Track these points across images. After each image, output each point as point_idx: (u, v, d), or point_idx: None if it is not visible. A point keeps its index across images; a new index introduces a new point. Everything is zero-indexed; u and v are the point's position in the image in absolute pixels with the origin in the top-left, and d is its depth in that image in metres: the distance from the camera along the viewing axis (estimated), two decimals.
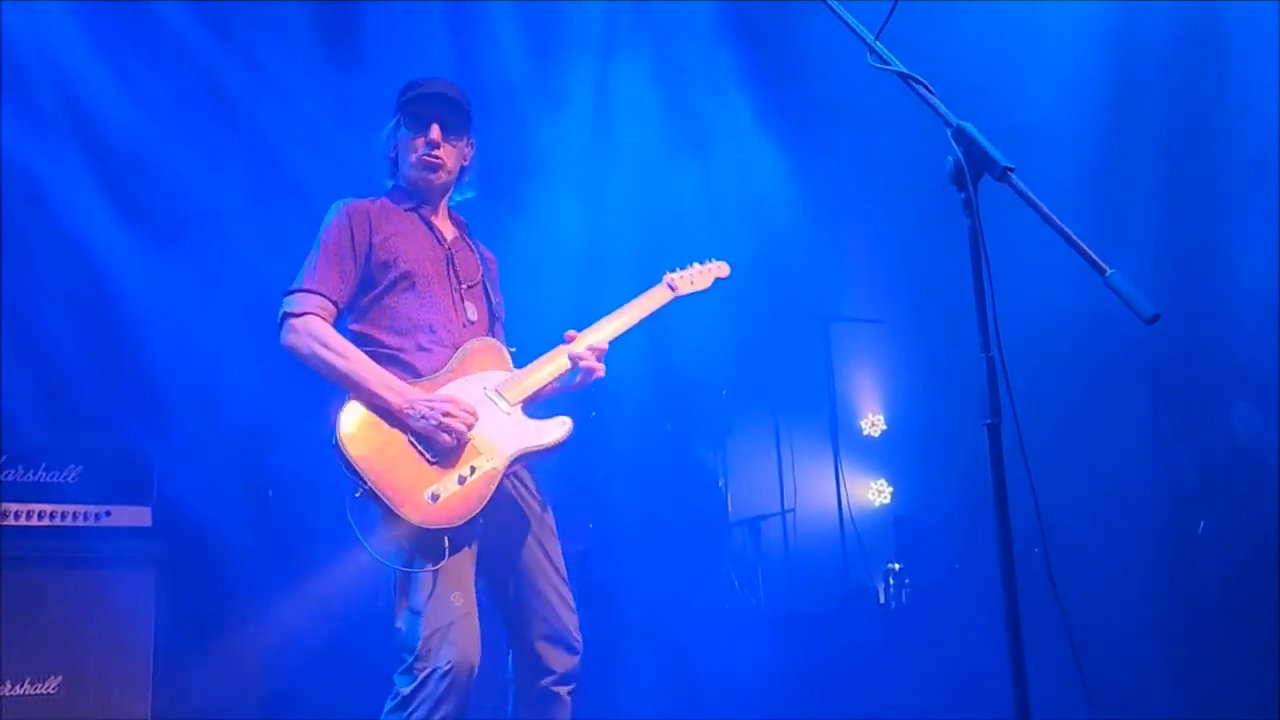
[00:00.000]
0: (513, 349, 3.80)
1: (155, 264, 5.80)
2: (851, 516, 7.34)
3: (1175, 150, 5.51)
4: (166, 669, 4.99)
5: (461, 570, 3.41)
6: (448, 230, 3.88)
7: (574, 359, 3.72)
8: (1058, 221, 2.31)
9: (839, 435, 7.47)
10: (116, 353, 5.61)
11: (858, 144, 6.15)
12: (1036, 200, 2.35)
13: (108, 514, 4.97)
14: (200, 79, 6.14)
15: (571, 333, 3.79)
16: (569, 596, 3.65)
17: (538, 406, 3.67)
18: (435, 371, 3.56)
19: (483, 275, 3.88)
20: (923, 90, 2.51)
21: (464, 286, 3.78)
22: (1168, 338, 5.41)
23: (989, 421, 2.35)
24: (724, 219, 7.00)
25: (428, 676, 3.25)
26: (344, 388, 3.43)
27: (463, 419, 3.40)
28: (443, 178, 3.81)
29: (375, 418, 3.40)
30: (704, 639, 6.01)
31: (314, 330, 3.47)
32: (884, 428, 8.82)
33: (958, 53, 5.91)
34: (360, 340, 3.61)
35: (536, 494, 3.74)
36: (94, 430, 5.15)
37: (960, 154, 2.41)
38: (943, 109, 2.48)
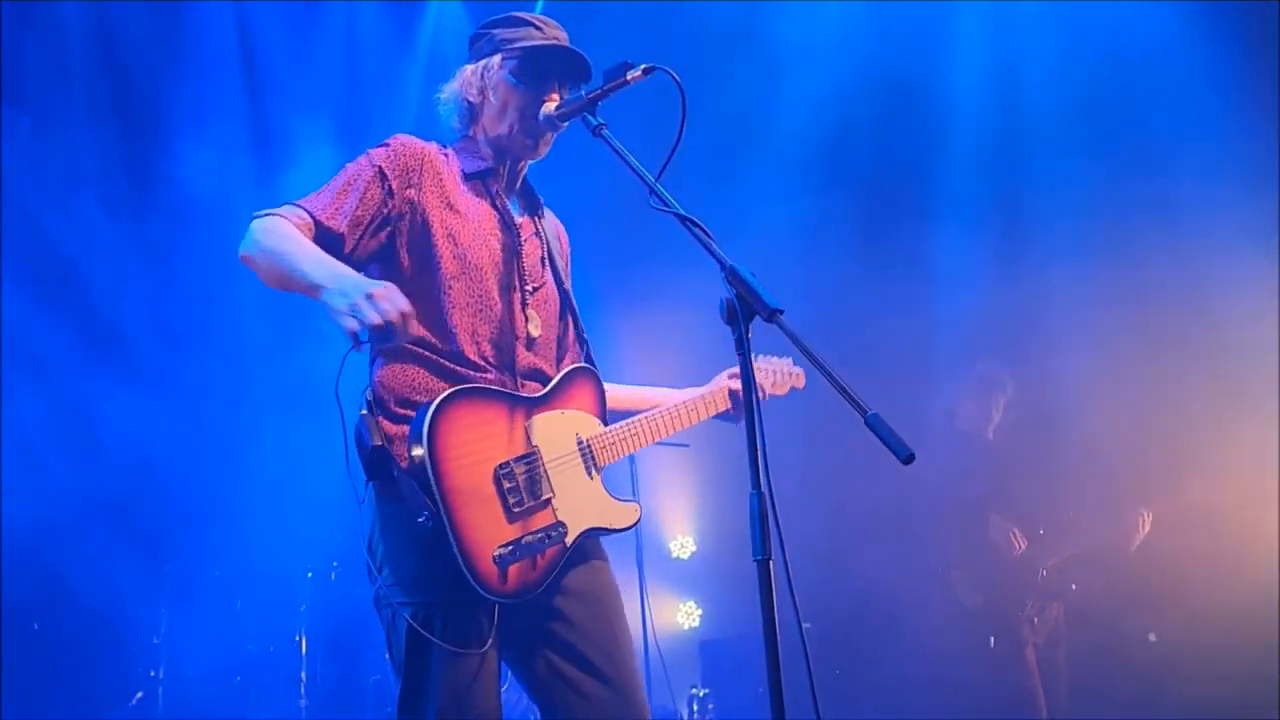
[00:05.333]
0: None
1: None
2: (657, 640, 7.29)
3: None
4: None
5: (493, 661, 2.87)
6: (520, 214, 3.18)
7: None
8: (822, 361, 2.38)
9: (645, 556, 7.45)
10: None
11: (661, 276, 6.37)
12: (804, 341, 2.41)
13: None
14: None
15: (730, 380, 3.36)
16: (637, 685, 3.01)
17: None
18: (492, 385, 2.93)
19: (551, 275, 3.19)
20: (699, 232, 2.59)
21: (528, 289, 3.10)
22: None
23: (758, 558, 2.38)
24: None
25: None
26: (281, 285, 2.79)
27: (388, 312, 2.59)
28: (542, 152, 3.13)
29: (474, 432, 2.82)
30: None
31: (261, 226, 2.82)
32: (693, 549, 8.86)
33: None
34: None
35: (599, 557, 3.12)
36: None
37: (733, 295, 2.48)
38: (718, 251, 2.54)
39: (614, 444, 3.10)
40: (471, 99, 3.12)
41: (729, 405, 3.38)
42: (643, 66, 2.81)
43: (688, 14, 6.81)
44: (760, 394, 3.38)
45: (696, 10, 6.76)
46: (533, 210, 3.25)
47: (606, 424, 3.13)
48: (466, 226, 3.01)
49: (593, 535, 3.04)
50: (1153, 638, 5.84)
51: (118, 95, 6.75)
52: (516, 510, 2.84)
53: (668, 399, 3.35)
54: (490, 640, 2.82)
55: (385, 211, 2.94)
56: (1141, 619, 5.87)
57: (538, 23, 3.14)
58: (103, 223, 6.60)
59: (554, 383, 3.05)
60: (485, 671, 2.84)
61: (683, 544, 8.84)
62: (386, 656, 2.96)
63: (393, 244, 2.97)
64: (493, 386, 2.94)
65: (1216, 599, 5.72)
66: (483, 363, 2.97)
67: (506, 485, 2.84)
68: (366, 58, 7.42)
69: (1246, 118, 6.14)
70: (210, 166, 6.87)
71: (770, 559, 2.38)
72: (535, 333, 3.07)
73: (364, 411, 2.92)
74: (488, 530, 2.78)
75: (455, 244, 2.97)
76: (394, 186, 2.94)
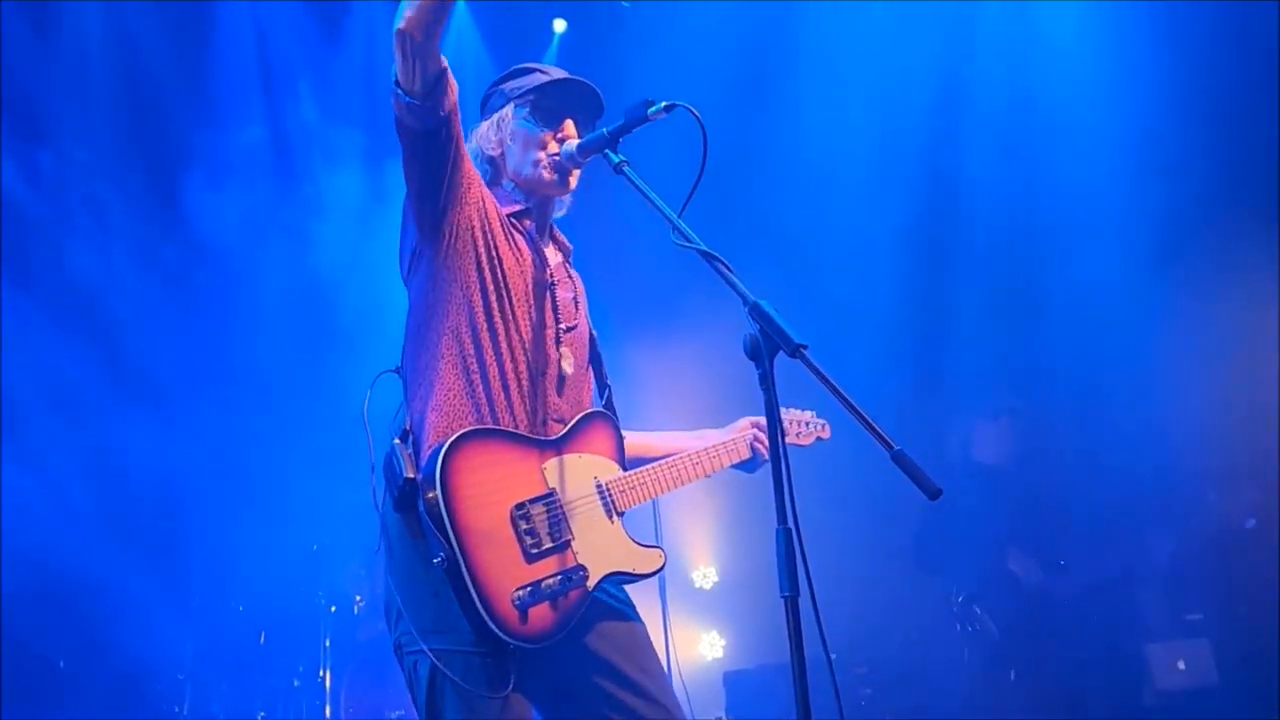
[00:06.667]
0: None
1: None
2: (680, 671, 7.24)
3: None
4: None
5: (521, 706, 2.84)
6: (552, 255, 3.22)
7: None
8: (848, 397, 2.37)
9: (668, 587, 7.42)
10: None
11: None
12: (828, 376, 2.40)
13: None
14: None
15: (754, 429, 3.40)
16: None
17: None
18: (523, 427, 2.92)
19: (586, 320, 3.24)
20: (722, 268, 2.59)
21: (563, 327, 3.12)
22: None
23: (786, 594, 2.36)
24: None
25: None
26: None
27: None
28: (571, 187, 3.16)
29: (488, 472, 2.80)
30: None
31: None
32: (716, 579, 8.82)
33: None
34: (436, 341, 2.93)
35: (626, 605, 3.08)
36: None
37: (757, 330, 2.48)
38: (741, 286, 2.55)
39: (634, 489, 3.08)
40: (491, 152, 3.17)
41: (749, 454, 3.41)
42: (664, 103, 2.83)
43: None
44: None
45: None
46: (564, 254, 3.30)
47: (625, 469, 3.11)
48: (508, 257, 3.02)
49: (616, 580, 3.00)
50: (1181, 665, 5.77)
51: (139, 124, 6.80)
52: (534, 552, 2.80)
53: (684, 444, 3.36)
54: (511, 685, 2.76)
55: (466, 171, 2.93)
56: (1168, 648, 5.80)
57: (541, 68, 3.21)
58: (125, 253, 6.65)
59: (570, 427, 3.03)
60: (510, 717, 2.80)
61: (705, 574, 8.80)
62: (410, 698, 2.93)
63: (450, 240, 2.94)
64: (506, 429, 2.91)
65: (1242, 625, 5.67)
66: (515, 394, 2.94)
67: (523, 526, 2.81)
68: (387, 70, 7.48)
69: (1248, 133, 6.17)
70: (232, 194, 6.92)
71: (798, 596, 2.37)
72: (568, 370, 3.07)
73: (397, 440, 2.91)
74: (505, 572, 2.74)
75: (499, 273, 2.98)
76: (473, 176, 2.97)
